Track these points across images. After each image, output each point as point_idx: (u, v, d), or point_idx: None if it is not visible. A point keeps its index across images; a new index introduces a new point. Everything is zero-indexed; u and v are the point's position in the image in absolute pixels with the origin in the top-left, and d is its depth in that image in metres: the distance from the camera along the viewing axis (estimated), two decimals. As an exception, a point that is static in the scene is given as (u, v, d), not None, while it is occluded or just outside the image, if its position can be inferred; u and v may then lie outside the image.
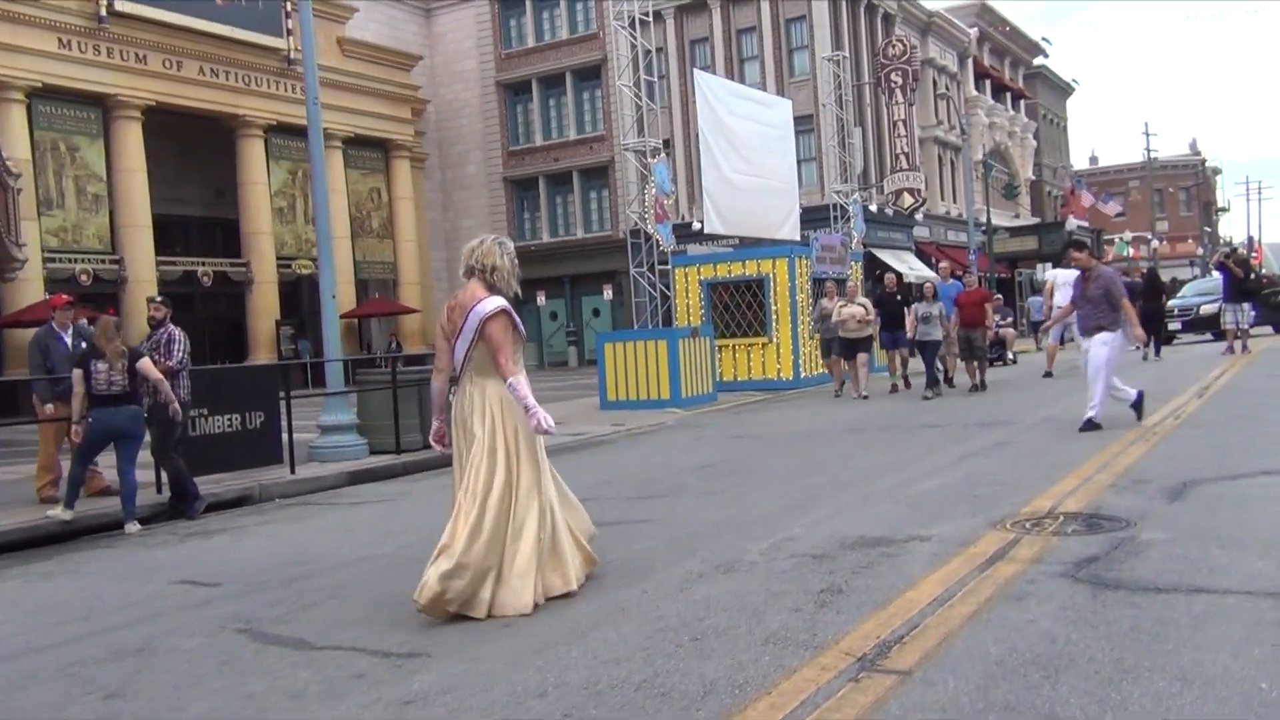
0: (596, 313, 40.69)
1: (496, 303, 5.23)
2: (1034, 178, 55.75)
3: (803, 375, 21.39)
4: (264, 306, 33.99)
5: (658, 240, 19.98)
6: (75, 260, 28.85)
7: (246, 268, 33.75)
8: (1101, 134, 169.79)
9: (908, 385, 17.65)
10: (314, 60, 12.89)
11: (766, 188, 23.85)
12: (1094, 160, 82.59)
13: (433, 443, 5.71)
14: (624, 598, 5.15)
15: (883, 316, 16.68)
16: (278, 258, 34.31)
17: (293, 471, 11.49)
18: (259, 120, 33.22)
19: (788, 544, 6.06)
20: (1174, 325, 27.63)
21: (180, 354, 10.15)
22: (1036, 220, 52.93)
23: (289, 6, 33.29)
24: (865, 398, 16.36)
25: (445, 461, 12.83)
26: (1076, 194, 49.89)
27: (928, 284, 16.81)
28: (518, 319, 5.36)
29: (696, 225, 26.66)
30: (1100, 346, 10.27)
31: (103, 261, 29.66)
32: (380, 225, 38.51)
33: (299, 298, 37.61)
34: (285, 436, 11.65)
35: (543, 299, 40.46)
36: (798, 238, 25.22)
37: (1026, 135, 54.42)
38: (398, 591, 5.60)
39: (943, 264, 17.21)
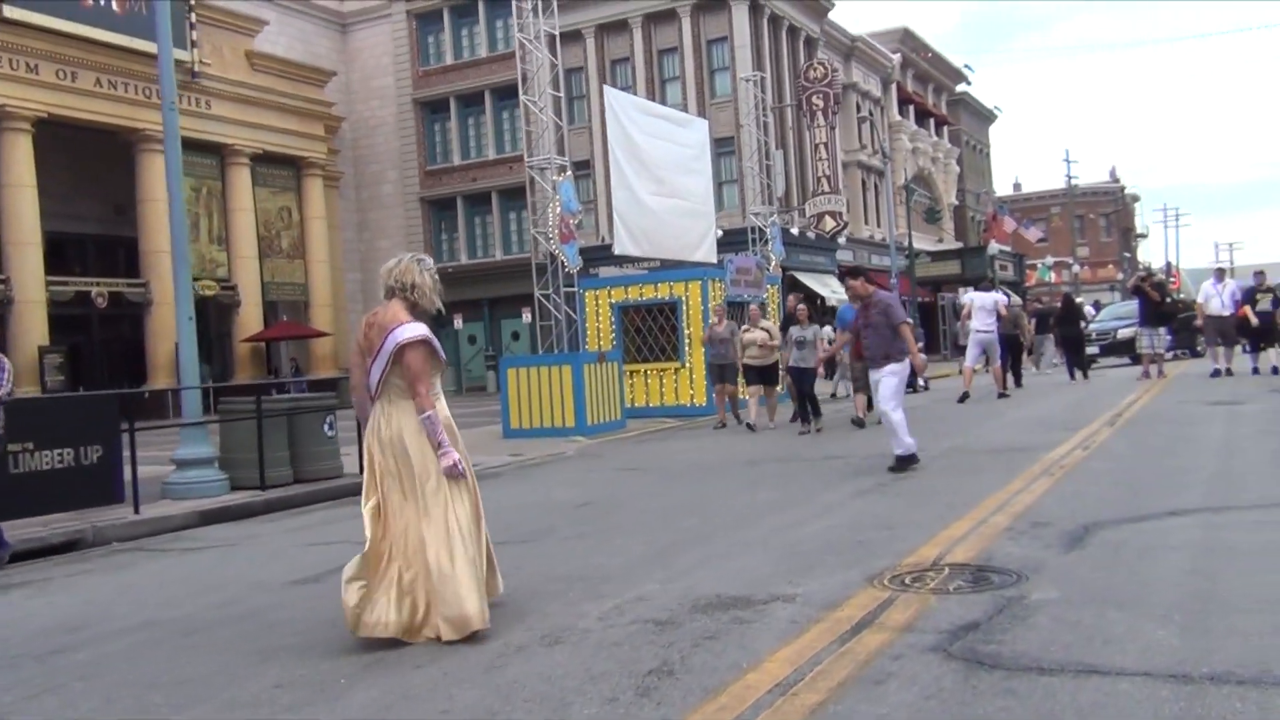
0: (516, 336, 39.73)
1: (417, 330, 5.07)
2: (957, 203, 56.05)
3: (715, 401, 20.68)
4: (164, 329, 32.32)
5: (563, 261, 19.17)
6: (-44, 280, 27.28)
7: (145, 288, 32.30)
8: (1025, 161, 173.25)
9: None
10: (170, 62, 11.83)
11: (681, 209, 23.19)
12: (1018, 186, 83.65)
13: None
14: (418, 679, 4.29)
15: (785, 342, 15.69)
16: (180, 278, 32.85)
17: (136, 511, 10.43)
18: (159, 134, 31.69)
19: (634, 605, 5.25)
20: (1092, 349, 27.50)
21: (8, 384, 9.09)
22: (960, 245, 53.20)
23: (192, 17, 32.09)
24: (773, 427, 15.64)
25: (312, 498, 11.97)
26: (999, 219, 50.11)
27: (801, 307, 15.67)
28: (438, 345, 5.20)
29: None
30: (889, 377, 9.81)
31: (-14, 281, 28.09)
32: (290, 245, 37.21)
33: (206, 320, 36.16)
34: (129, 472, 10.60)
35: (460, 322, 39.42)
36: (714, 260, 24.59)
37: (950, 161, 54.72)
38: (153, 673, 4.69)
39: (852, 284, 16.40)
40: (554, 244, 18.95)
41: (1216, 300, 18.40)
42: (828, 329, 15.78)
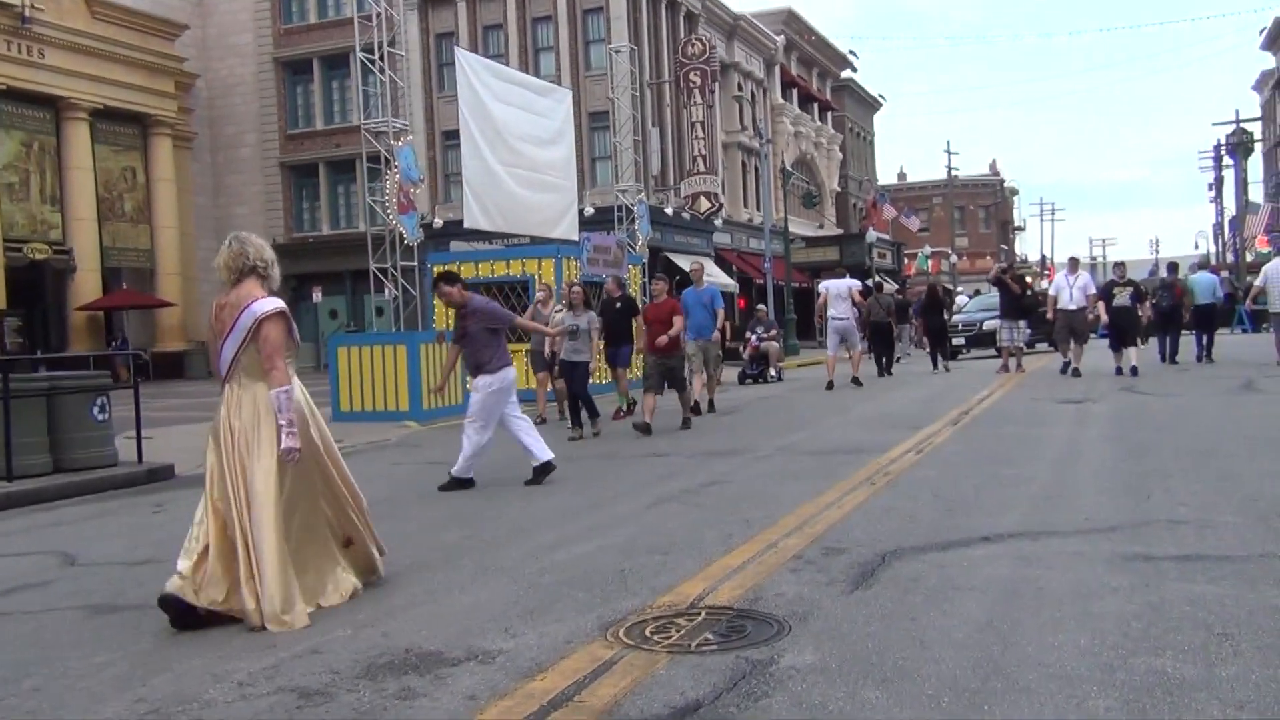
0: (380, 311, 37.95)
1: (275, 303, 5.06)
2: (839, 189, 55.93)
3: (567, 386, 19.62)
4: (-15, 292, 29.97)
5: (401, 233, 17.86)
6: None
7: (-29, 250, 29.69)
8: (910, 151, 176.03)
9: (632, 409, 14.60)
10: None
11: (538, 182, 21.99)
12: (903, 176, 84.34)
13: None
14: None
15: (605, 329, 13.84)
16: (6, 240, 30.39)
17: None
18: (-14, 82, 29.28)
19: (297, 662, 4.12)
20: (958, 340, 27.28)
21: None
22: (840, 231, 53.08)
23: (24, -42, 29.55)
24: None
25: (69, 490, 10.50)
26: (878, 207, 50.11)
27: (575, 288, 13.67)
28: (294, 324, 5.16)
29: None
30: (478, 393, 8.76)
31: None
32: (135, 208, 34.88)
33: (40, 285, 33.57)
34: None
35: (320, 295, 37.51)
36: (575, 237, 23.50)
37: (833, 147, 54.50)
38: None
39: (693, 267, 15.40)
40: (391, 215, 17.62)
41: (1067, 293, 17.72)
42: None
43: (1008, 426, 11.13)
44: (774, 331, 21.74)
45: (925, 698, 3.41)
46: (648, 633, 4.28)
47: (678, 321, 12.81)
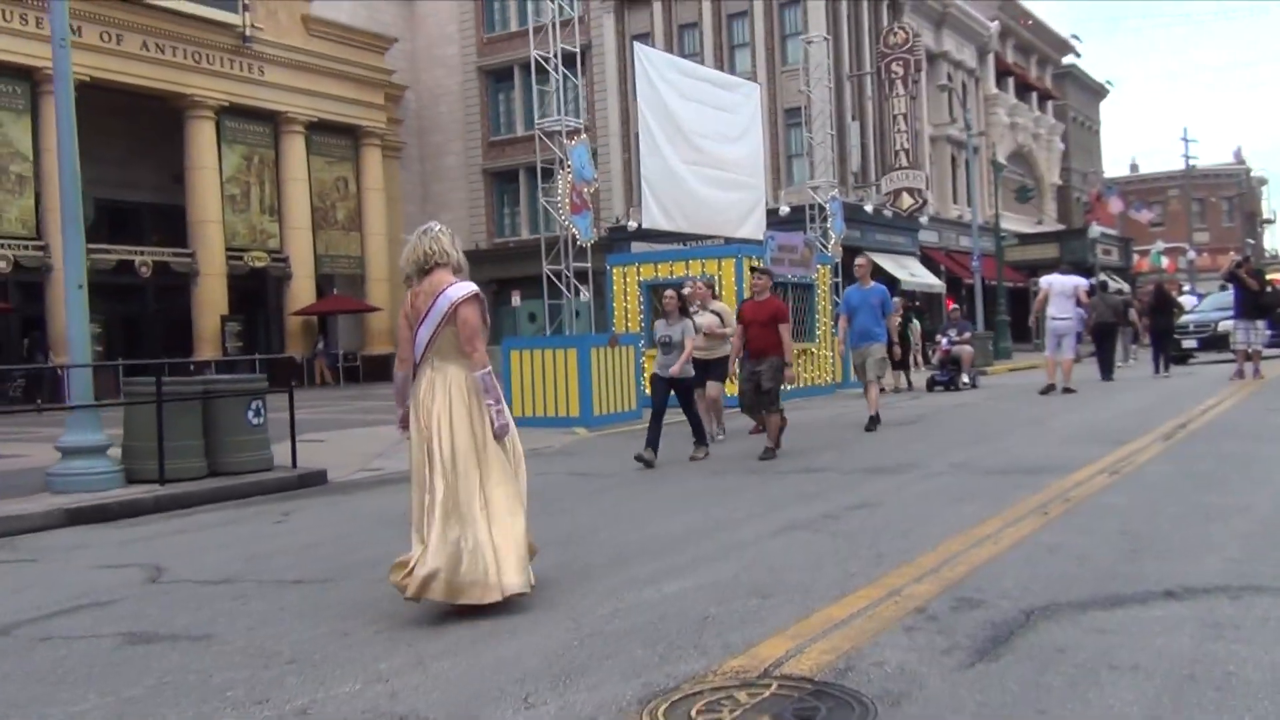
0: (578, 314, 38.10)
1: (470, 287, 5.15)
2: (1060, 182, 52.48)
3: (747, 392, 18.74)
4: (210, 300, 31.74)
5: (574, 234, 17.47)
6: (-8, 246, 26.78)
7: (191, 258, 31.51)
8: (1142, 140, 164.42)
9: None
10: (61, -6, 10.40)
11: (723, 180, 21.20)
12: (1134, 167, 78.85)
13: (398, 429, 5.41)
14: None
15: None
16: (228, 249, 32.12)
17: (-11, 507, 9.06)
18: (209, 101, 31.00)
19: (275, 726, 3.49)
20: (1189, 343, 24.77)
21: None
22: (1062, 227, 49.80)
23: (244, -20, 31.15)
24: (722, 438, 12.55)
25: (220, 494, 10.45)
26: (1104, 200, 46.66)
27: (669, 293, 11.24)
28: (486, 309, 5.19)
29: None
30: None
31: (25, 248, 27.54)
32: (346, 217, 36.22)
33: (260, 291, 35.40)
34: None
35: (518, 299, 37.96)
36: (762, 237, 22.60)
37: (1053, 138, 51.16)
38: None
39: (859, 262, 13.97)
40: (564, 215, 17.24)
41: (1315, 288, 15.43)
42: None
43: (1230, 443, 9.53)
44: (967, 335, 19.98)
45: None
46: (693, 713, 3.41)
47: (785, 331, 10.87)
